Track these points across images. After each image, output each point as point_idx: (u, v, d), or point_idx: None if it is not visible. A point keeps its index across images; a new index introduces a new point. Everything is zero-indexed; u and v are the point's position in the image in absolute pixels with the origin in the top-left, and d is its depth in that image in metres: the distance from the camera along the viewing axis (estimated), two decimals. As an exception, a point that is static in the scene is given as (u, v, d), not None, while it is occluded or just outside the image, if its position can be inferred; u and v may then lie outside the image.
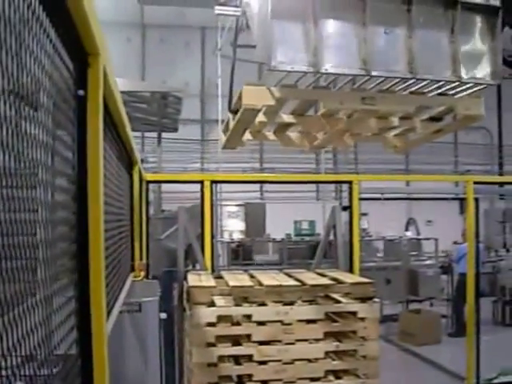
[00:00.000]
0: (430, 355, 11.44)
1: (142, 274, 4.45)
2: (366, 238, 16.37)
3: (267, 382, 5.21)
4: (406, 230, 17.70)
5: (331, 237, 7.60)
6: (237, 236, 16.14)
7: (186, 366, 6.14)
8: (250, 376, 5.20)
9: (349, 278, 5.79)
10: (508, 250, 17.23)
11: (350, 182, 7.91)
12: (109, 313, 2.45)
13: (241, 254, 14.65)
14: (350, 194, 7.85)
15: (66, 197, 1.94)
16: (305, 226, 17.01)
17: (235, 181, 9.27)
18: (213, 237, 8.75)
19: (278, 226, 16.71)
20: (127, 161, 4.72)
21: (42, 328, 1.54)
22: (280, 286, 5.37)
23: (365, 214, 16.11)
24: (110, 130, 3.18)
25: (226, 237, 16.24)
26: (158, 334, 3.60)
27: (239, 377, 5.24)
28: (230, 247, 15.06)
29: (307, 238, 16.04)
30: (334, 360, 5.35)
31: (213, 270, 7.44)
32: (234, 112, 4.45)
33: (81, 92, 2.02)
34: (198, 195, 7.92)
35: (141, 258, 5.49)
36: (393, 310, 14.44)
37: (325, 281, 5.66)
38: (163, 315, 3.77)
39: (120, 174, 3.94)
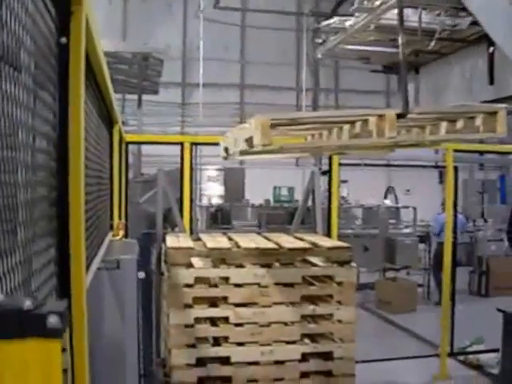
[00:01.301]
0: (406, 323, 11.58)
1: (121, 233, 4.43)
2: (345, 205, 16.44)
3: (243, 344, 5.25)
4: (385, 198, 17.80)
5: (310, 203, 7.62)
6: (216, 201, 16.14)
7: (162, 328, 6.16)
8: (226, 338, 5.23)
9: (326, 242, 5.82)
10: (486, 221, 17.39)
11: (330, 150, 7.89)
12: (88, 267, 2.44)
13: (219, 219, 14.66)
14: (330, 158, 7.85)
15: (46, 144, 1.91)
16: (284, 192, 17.04)
17: (215, 143, 9.18)
18: (191, 200, 8.74)
19: (257, 191, 16.73)
20: (107, 119, 4.66)
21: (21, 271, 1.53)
22: (258, 248, 5.38)
23: (344, 182, 16.15)
24: (91, 83, 3.14)
25: (205, 201, 16.25)
26: (135, 291, 3.59)
27: (215, 338, 5.27)
28: (209, 211, 15.06)
29: (286, 204, 16.08)
30: (310, 323, 5.39)
31: (191, 233, 7.44)
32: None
33: (63, 40, 1.98)
34: (178, 160, 7.88)
35: (120, 219, 5.47)
36: (370, 278, 14.57)
37: (302, 244, 5.68)
38: (141, 274, 3.77)
39: (100, 130, 3.89)
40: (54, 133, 1.98)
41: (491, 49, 5.00)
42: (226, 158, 5.11)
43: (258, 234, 6.73)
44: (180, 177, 7.98)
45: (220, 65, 22.43)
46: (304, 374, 5.38)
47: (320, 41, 10.85)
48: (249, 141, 3.62)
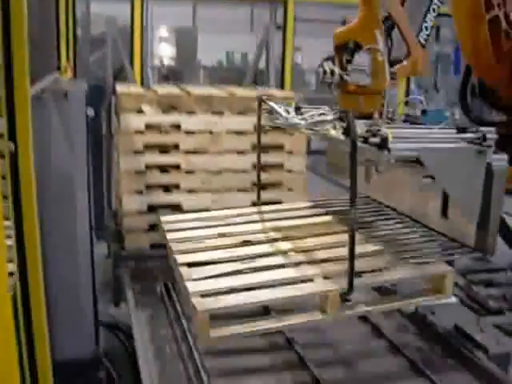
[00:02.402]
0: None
1: (69, 74, 4.28)
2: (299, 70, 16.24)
3: (194, 191, 5.28)
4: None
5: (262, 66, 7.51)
6: (167, 62, 15.74)
7: (114, 179, 6.15)
8: (177, 186, 5.25)
9: (279, 92, 5.79)
10: (438, 91, 17.47)
11: (284, 2, 7.71)
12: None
13: (171, 79, 14.36)
14: (285, 12, 7.68)
15: None
16: (237, 58, 16.72)
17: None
18: (142, 59, 8.56)
19: (210, 56, 16.35)
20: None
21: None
22: (210, 96, 5.32)
23: (298, 49, 15.92)
24: None
25: (157, 62, 15.83)
26: (84, 125, 3.53)
27: (166, 187, 5.28)
28: (160, 72, 14.74)
29: (239, 65, 15.82)
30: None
31: (142, 88, 7.30)
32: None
33: None
34: (128, 23, 7.62)
35: (67, 60, 5.29)
36: (321, 145, 14.61)
37: (255, 93, 5.63)
38: (91, 111, 3.69)
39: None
40: None
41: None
42: None
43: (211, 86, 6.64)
44: (130, 34, 7.76)
45: None
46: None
47: None
48: None
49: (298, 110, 4.12)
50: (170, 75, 14.44)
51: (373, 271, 3.34)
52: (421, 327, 3.96)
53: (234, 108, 5.31)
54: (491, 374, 3.41)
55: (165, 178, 5.21)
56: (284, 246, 3.76)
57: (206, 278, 3.31)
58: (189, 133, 5.15)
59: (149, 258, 5.28)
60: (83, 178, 3.82)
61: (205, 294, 3.11)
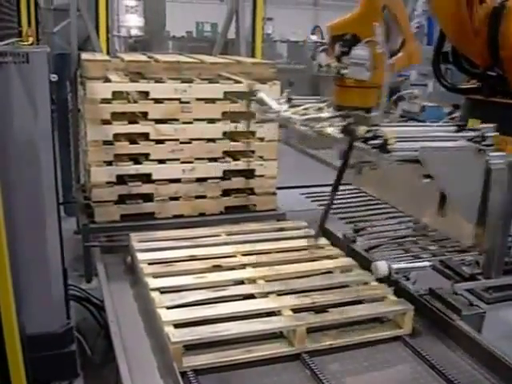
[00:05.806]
0: (327, 157, 11.77)
1: (31, 39, 4.13)
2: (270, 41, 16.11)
3: (164, 161, 5.16)
4: (312, 34, 17.52)
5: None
6: (135, 32, 15.42)
7: (81, 152, 6.00)
8: (146, 155, 5.12)
9: (250, 59, 5.67)
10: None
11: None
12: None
13: (139, 50, 14.09)
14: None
15: None
16: (207, 28, 16.50)
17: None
18: (108, 30, 8.36)
19: (180, 26, 16.11)
20: None
21: None
22: (178, 62, 5.19)
23: (270, 19, 15.79)
24: None
25: (124, 33, 15.50)
26: (48, 91, 3.39)
27: (136, 159, 5.15)
28: (128, 43, 14.45)
29: (209, 35, 15.62)
30: (231, 141, 5.33)
31: (109, 57, 7.12)
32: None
33: None
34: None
35: (29, 26, 5.12)
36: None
37: (225, 60, 5.51)
38: (54, 76, 3.54)
39: None
40: None
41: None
42: None
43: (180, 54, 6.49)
44: (95, 3, 7.55)
45: None
46: (225, 192, 5.39)
47: None
48: None
49: (289, 101, 4.11)
50: (137, 46, 14.19)
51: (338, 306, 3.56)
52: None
53: (203, 74, 5.19)
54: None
55: (134, 148, 5.07)
56: (253, 273, 3.96)
57: (179, 306, 3.44)
58: (157, 101, 5.01)
59: (119, 229, 5.16)
60: (48, 145, 3.68)
61: (178, 324, 3.24)
